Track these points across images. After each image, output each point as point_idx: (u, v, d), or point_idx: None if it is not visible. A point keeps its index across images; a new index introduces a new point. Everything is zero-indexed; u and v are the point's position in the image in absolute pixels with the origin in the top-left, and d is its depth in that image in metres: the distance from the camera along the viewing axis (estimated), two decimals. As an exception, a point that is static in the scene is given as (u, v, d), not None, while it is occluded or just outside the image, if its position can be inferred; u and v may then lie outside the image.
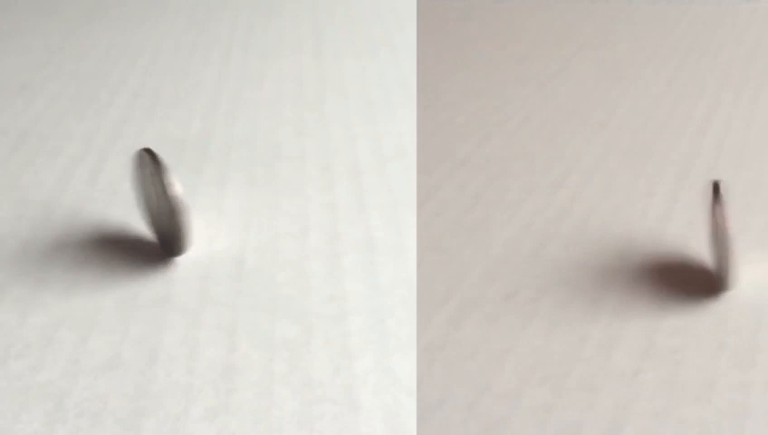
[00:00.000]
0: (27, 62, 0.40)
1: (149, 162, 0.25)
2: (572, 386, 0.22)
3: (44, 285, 0.25)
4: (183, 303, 0.24)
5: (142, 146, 0.33)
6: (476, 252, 0.27)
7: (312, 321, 0.24)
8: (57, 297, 0.25)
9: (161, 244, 0.26)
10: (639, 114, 0.34)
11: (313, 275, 0.26)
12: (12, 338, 0.23)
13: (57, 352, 0.23)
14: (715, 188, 0.23)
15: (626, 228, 0.27)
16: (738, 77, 0.37)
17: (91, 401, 0.21)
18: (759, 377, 0.22)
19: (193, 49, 0.42)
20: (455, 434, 0.20)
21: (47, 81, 0.38)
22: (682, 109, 0.35)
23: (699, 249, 0.26)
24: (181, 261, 0.26)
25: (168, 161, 0.32)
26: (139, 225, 0.28)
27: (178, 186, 0.25)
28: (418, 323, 0.24)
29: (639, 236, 0.27)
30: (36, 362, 0.22)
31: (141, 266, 0.26)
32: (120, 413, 0.21)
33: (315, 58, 0.41)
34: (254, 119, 0.35)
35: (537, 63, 0.39)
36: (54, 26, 0.44)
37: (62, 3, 0.48)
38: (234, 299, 0.25)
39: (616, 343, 0.23)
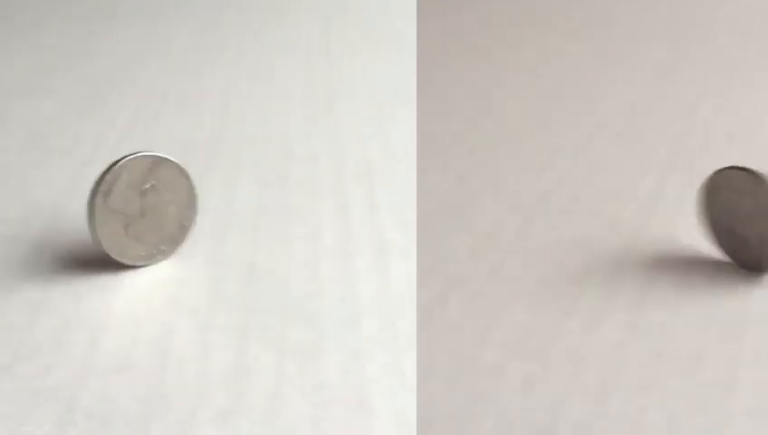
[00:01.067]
0: (37, 64, 0.40)
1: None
2: (558, 359, 0.22)
3: (55, 286, 0.25)
4: (194, 304, 0.24)
5: (151, 147, 0.33)
6: (463, 231, 0.26)
7: (324, 323, 0.24)
8: (68, 299, 0.24)
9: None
10: (628, 98, 0.34)
11: (325, 277, 0.25)
12: (22, 340, 0.23)
13: (67, 354, 0.22)
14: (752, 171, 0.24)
15: (614, 207, 0.27)
16: (727, 62, 0.37)
17: (102, 403, 0.21)
18: (747, 349, 0.21)
19: (203, 49, 0.42)
20: (439, 408, 0.20)
21: (57, 82, 0.38)
22: (671, 92, 0.34)
23: (687, 227, 0.26)
24: (191, 262, 0.26)
25: (178, 162, 0.32)
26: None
27: None
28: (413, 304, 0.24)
29: (628, 215, 0.27)
30: (46, 365, 0.22)
31: (151, 269, 0.26)
32: (131, 416, 0.21)
33: (326, 58, 0.41)
34: (264, 119, 0.35)
35: (529, 49, 0.39)
36: (64, 28, 0.44)
37: (73, 5, 0.48)
38: (245, 301, 0.25)
39: (602, 318, 0.23)
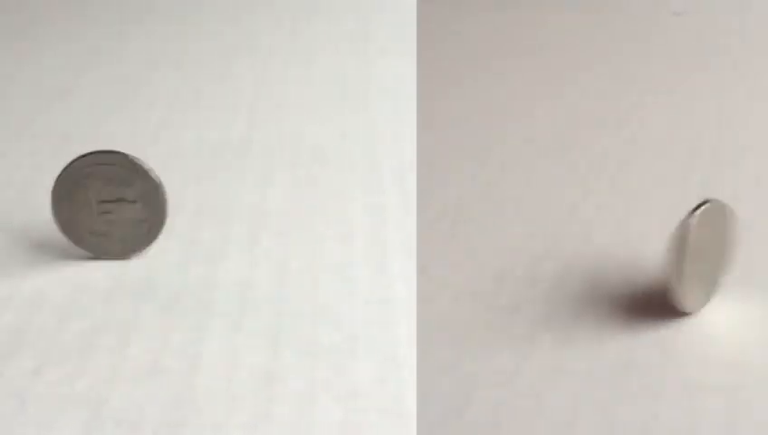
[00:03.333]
0: (67, 66, 0.40)
1: None
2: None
3: (84, 290, 0.25)
4: (224, 308, 0.24)
5: (183, 148, 0.32)
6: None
7: (358, 327, 0.23)
8: (97, 303, 0.24)
9: None
10: (565, 115, 0.34)
11: (358, 280, 0.25)
12: (50, 344, 0.23)
13: (96, 358, 0.22)
14: (699, 205, 0.23)
15: (551, 214, 0.27)
16: (666, 82, 0.37)
17: (130, 409, 0.21)
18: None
19: (235, 51, 0.42)
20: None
21: (87, 84, 0.38)
22: (603, 110, 0.34)
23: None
24: (222, 265, 0.26)
25: (209, 164, 0.31)
26: (179, 229, 0.27)
27: None
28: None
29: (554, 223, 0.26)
30: (74, 370, 0.22)
31: (182, 272, 0.25)
32: (159, 422, 0.20)
33: (359, 58, 0.40)
34: (297, 121, 0.35)
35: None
36: (95, 30, 0.44)
37: (103, 7, 0.48)
38: (276, 305, 0.24)
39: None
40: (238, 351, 0.22)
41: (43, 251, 0.26)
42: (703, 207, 0.23)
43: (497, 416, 0.21)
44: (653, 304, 0.24)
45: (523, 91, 0.36)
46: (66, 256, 0.26)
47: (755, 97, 0.35)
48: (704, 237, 0.23)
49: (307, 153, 0.32)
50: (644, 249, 0.26)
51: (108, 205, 0.25)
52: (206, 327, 0.23)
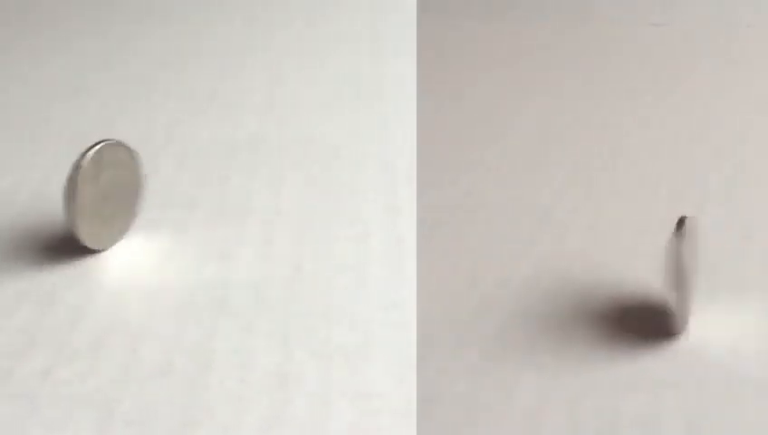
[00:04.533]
0: (81, 66, 0.40)
1: None
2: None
3: (96, 290, 0.25)
4: (237, 308, 0.24)
5: (196, 148, 0.32)
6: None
7: (372, 328, 0.23)
8: (108, 303, 0.24)
9: None
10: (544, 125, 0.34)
11: (373, 281, 0.25)
12: (62, 344, 0.23)
13: (107, 358, 0.22)
14: (680, 223, 0.22)
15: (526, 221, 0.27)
16: (644, 91, 0.37)
17: (141, 409, 0.20)
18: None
19: (247, 50, 0.41)
20: None
21: (101, 84, 0.38)
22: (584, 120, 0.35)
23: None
24: (235, 265, 0.26)
25: (222, 163, 0.31)
26: (192, 228, 0.27)
27: None
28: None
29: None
30: (86, 369, 0.22)
31: (195, 272, 0.25)
32: (171, 423, 0.20)
33: (373, 57, 0.40)
34: (310, 119, 0.34)
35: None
36: (108, 30, 0.44)
37: (115, 6, 0.48)
38: (289, 305, 0.24)
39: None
40: (251, 351, 0.22)
41: (55, 251, 0.26)
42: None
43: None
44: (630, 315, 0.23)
45: (510, 95, 0.37)
46: (78, 254, 0.26)
47: (732, 106, 0.35)
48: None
49: (320, 152, 0.32)
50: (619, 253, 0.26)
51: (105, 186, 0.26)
52: (218, 327, 0.23)
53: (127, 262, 0.26)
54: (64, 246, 0.26)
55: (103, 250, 0.26)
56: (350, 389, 0.21)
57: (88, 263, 0.26)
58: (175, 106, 0.36)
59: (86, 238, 0.26)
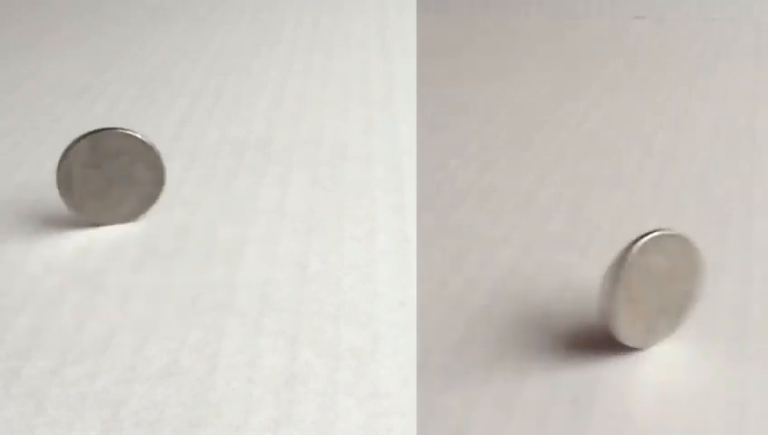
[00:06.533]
0: (88, 65, 0.40)
1: None
2: None
3: (102, 290, 0.24)
4: (244, 308, 0.24)
5: (204, 147, 0.32)
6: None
7: (380, 328, 0.23)
8: (115, 303, 0.24)
9: None
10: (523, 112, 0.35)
11: (381, 280, 0.25)
12: (68, 344, 0.22)
13: (114, 358, 0.22)
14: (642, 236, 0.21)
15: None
16: (622, 84, 0.38)
17: (148, 409, 0.20)
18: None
19: (256, 48, 0.41)
20: None
21: (108, 83, 0.38)
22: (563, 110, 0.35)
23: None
24: (242, 264, 0.25)
25: (229, 162, 0.31)
26: (199, 227, 0.27)
27: None
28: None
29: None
30: (93, 369, 0.22)
31: (201, 271, 0.25)
32: (178, 422, 0.20)
33: (382, 56, 0.40)
34: (318, 118, 0.34)
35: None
36: (116, 29, 0.44)
37: (123, 6, 0.48)
38: (297, 305, 0.24)
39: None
40: (258, 351, 0.22)
41: (60, 251, 0.26)
42: (646, 238, 0.21)
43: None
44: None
45: (497, 85, 0.37)
46: (82, 254, 0.26)
47: (712, 98, 0.35)
48: (652, 269, 0.21)
49: (327, 151, 0.32)
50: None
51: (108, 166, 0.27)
52: (225, 327, 0.23)
53: (134, 262, 0.26)
54: (68, 246, 0.26)
55: (102, 224, 0.27)
56: (358, 389, 0.21)
57: (91, 263, 0.26)
58: (183, 104, 0.36)
59: (74, 209, 0.27)
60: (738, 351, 0.22)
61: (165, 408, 0.20)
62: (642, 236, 0.21)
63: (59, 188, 0.27)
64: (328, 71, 0.39)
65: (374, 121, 0.34)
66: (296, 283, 0.25)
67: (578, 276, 0.25)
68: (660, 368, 0.21)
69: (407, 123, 0.34)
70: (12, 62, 0.41)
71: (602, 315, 0.22)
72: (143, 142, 0.27)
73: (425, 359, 0.22)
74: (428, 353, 0.22)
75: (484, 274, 0.25)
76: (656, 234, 0.21)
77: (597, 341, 0.22)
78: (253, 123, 0.34)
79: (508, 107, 0.35)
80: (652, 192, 0.29)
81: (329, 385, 0.21)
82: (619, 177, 0.30)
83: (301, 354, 0.22)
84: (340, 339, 0.23)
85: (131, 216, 0.27)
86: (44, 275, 0.25)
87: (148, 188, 0.27)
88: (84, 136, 0.26)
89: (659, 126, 0.33)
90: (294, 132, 0.33)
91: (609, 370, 0.21)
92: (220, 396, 0.21)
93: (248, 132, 0.33)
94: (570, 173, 0.30)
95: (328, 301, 0.24)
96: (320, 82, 0.38)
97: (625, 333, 0.21)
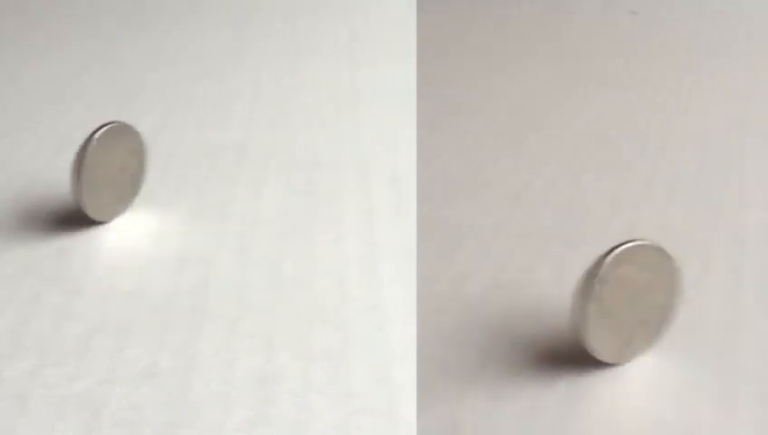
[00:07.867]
0: (64, 71, 0.40)
1: None
2: None
3: (80, 292, 0.25)
4: (220, 311, 0.24)
5: (179, 152, 0.32)
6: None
7: (353, 329, 0.23)
8: (93, 305, 0.24)
9: None
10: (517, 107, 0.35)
11: (352, 283, 0.25)
12: (48, 346, 0.23)
13: (93, 360, 0.22)
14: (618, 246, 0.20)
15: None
16: (616, 79, 0.38)
17: (128, 410, 0.21)
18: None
19: (230, 55, 0.42)
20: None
21: (84, 89, 0.38)
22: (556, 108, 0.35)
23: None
24: (218, 268, 0.26)
25: (204, 167, 0.31)
26: (175, 231, 0.28)
27: None
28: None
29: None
30: (73, 371, 0.22)
31: (177, 274, 0.26)
32: (158, 423, 0.20)
33: (352, 63, 0.40)
34: (291, 125, 0.35)
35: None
36: (91, 35, 0.44)
37: (99, 13, 0.48)
38: (271, 307, 0.24)
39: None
40: (235, 353, 0.23)
41: (39, 253, 0.27)
42: (618, 250, 0.20)
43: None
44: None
45: (491, 79, 0.37)
46: (62, 257, 0.26)
47: (705, 92, 0.36)
48: (626, 281, 0.20)
49: (301, 157, 0.32)
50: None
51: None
52: (202, 329, 0.23)
53: (111, 265, 0.26)
54: (48, 249, 0.27)
55: (108, 221, 0.28)
56: (332, 389, 0.21)
57: (70, 266, 0.26)
58: (158, 110, 0.36)
59: (90, 209, 0.27)
60: (722, 362, 0.22)
61: (145, 409, 0.21)
62: (614, 248, 0.20)
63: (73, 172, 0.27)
64: (300, 76, 0.39)
65: (344, 129, 0.34)
66: (271, 286, 0.25)
67: (570, 269, 0.25)
68: (640, 380, 0.21)
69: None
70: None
71: (574, 331, 0.21)
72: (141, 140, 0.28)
73: (420, 350, 0.23)
74: (424, 345, 0.23)
75: (477, 266, 0.26)
76: (628, 245, 0.20)
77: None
78: (228, 128, 0.34)
79: (505, 103, 0.35)
80: (645, 186, 0.29)
81: (303, 386, 0.21)
82: (613, 171, 0.30)
83: (276, 356, 0.22)
84: (314, 341, 0.23)
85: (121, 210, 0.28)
86: (23, 276, 0.25)
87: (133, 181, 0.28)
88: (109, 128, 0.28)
89: (653, 120, 0.34)
90: (268, 139, 0.33)
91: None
92: (199, 397, 0.21)
93: (224, 137, 0.34)
94: (564, 168, 0.31)
95: (301, 303, 0.24)
96: (293, 89, 0.38)
97: (599, 350, 0.21)
